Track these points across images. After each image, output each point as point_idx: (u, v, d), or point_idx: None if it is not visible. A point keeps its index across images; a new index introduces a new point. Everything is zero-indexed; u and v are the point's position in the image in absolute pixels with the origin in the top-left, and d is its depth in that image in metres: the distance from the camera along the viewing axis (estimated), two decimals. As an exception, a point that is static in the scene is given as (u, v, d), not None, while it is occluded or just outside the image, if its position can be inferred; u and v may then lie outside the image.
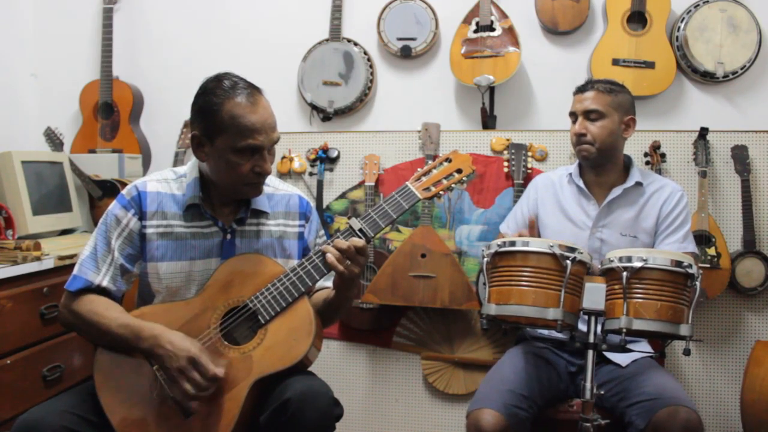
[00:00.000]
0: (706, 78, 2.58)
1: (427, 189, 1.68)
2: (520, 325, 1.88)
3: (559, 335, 2.04)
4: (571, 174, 2.19)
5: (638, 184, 2.12)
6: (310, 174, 2.85)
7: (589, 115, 2.06)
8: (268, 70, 2.86)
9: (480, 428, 1.75)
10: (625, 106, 2.09)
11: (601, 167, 2.13)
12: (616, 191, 2.12)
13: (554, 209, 2.18)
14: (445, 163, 1.72)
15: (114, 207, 1.67)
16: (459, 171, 1.71)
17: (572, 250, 1.65)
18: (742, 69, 2.55)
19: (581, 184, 2.15)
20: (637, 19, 2.59)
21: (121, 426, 1.52)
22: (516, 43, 2.63)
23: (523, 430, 1.80)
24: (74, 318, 1.62)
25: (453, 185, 1.70)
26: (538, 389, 1.90)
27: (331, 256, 1.59)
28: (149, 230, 1.66)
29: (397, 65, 2.85)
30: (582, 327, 1.76)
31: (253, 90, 1.60)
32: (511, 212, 2.34)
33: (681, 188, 2.16)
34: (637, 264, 1.60)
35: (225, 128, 1.56)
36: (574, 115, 2.11)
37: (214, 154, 1.60)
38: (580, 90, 2.11)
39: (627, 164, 2.18)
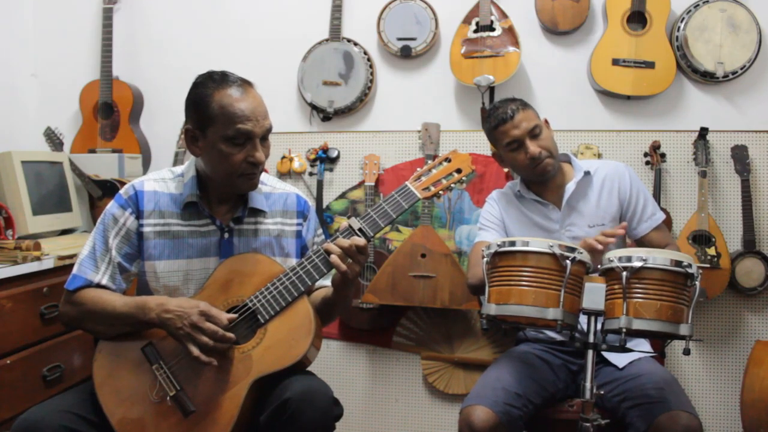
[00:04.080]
0: (706, 78, 2.58)
1: (427, 189, 1.68)
2: (520, 325, 1.87)
3: (558, 336, 2.04)
4: (519, 191, 2.17)
5: (587, 173, 2.13)
6: (310, 174, 2.86)
7: (533, 132, 2.03)
8: (268, 70, 2.87)
9: (471, 424, 1.75)
10: (536, 111, 2.10)
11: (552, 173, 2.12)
12: (571, 187, 2.11)
13: (520, 221, 2.16)
14: (445, 163, 1.72)
15: (111, 206, 1.68)
16: (458, 171, 1.71)
17: (572, 250, 1.65)
18: (742, 69, 2.55)
19: (533, 196, 2.15)
20: (637, 19, 2.59)
21: (120, 425, 1.53)
22: (516, 43, 2.63)
23: (515, 428, 1.80)
24: (77, 310, 1.63)
25: (452, 185, 1.70)
26: (533, 388, 1.90)
27: (335, 256, 1.59)
28: (146, 229, 1.67)
29: (397, 65, 2.85)
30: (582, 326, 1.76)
31: (243, 82, 1.64)
32: (484, 225, 2.22)
33: (622, 164, 2.18)
34: (637, 264, 1.60)
35: (215, 118, 1.58)
36: (516, 143, 2.03)
37: (207, 147, 1.62)
38: (507, 119, 2.02)
39: (564, 159, 2.18)
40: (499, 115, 2.05)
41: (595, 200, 2.12)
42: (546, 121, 2.12)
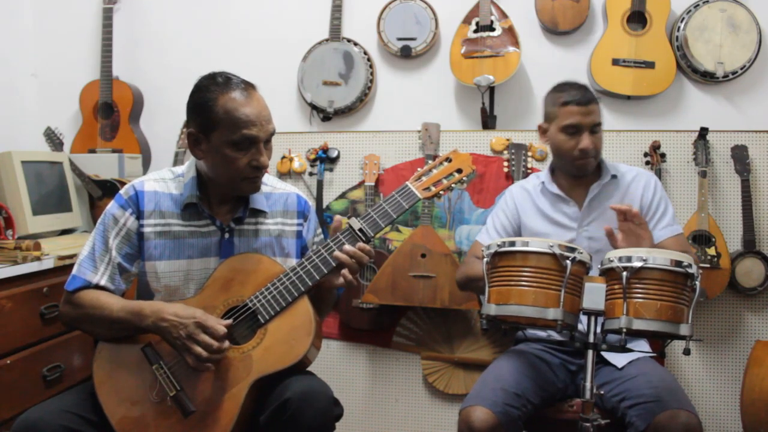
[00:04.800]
0: (706, 78, 2.58)
1: (427, 189, 1.68)
2: (520, 326, 1.87)
3: (558, 336, 2.04)
4: (543, 183, 2.17)
5: (614, 177, 2.12)
6: (310, 174, 2.86)
7: (595, 128, 2.02)
8: (268, 70, 2.87)
9: (471, 425, 1.75)
10: None
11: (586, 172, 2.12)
12: (595, 188, 2.11)
13: (536, 216, 2.16)
14: (445, 163, 1.72)
15: (112, 207, 1.68)
16: (459, 171, 1.71)
17: (572, 250, 1.65)
18: (742, 69, 2.55)
19: (556, 190, 2.15)
20: (637, 18, 2.59)
21: (120, 425, 1.52)
22: (516, 43, 2.63)
23: (515, 428, 1.80)
24: (76, 311, 1.63)
25: (453, 185, 1.70)
26: (532, 388, 1.89)
27: (346, 270, 1.60)
28: (147, 229, 1.67)
29: (397, 65, 2.85)
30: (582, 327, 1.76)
31: (247, 85, 1.62)
32: (489, 223, 2.23)
33: (651, 173, 2.18)
34: (637, 264, 1.60)
35: (220, 123, 1.57)
36: (574, 128, 2.01)
37: (211, 151, 1.61)
38: (582, 102, 2.00)
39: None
40: (574, 94, 2.01)
41: (616, 203, 2.11)
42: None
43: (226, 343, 1.54)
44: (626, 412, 1.83)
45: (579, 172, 2.09)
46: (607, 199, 2.11)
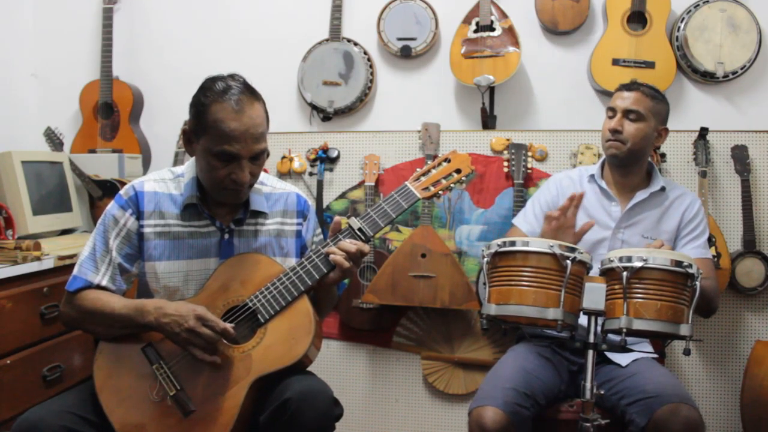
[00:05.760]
0: (706, 78, 2.58)
1: (427, 189, 1.69)
2: (520, 325, 1.88)
3: (559, 335, 2.04)
4: (593, 175, 2.18)
5: (662, 188, 2.14)
6: (310, 174, 2.85)
7: (629, 114, 2.07)
8: (268, 70, 2.87)
9: (483, 425, 1.75)
10: (662, 115, 2.12)
11: (627, 169, 2.14)
12: (642, 194, 2.12)
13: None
14: (444, 164, 1.72)
15: (112, 207, 1.68)
16: (458, 171, 1.71)
17: (572, 250, 1.65)
18: (742, 69, 2.55)
19: (604, 185, 2.16)
20: (637, 19, 2.59)
21: (120, 425, 1.52)
22: (516, 43, 2.63)
23: (525, 428, 1.80)
24: (77, 311, 1.63)
25: (452, 185, 1.71)
26: (539, 388, 1.90)
27: (340, 262, 1.60)
28: (147, 230, 1.67)
29: (397, 65, 2.85)
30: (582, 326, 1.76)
31: (246, 97, 1.57)
32: (528, 207, 2.26)
33: (698, 197, 2.21)
34: (637, 264, 1.60)
35: (207, 130, 1.56)
36: (612, 111, 2.10)
37: (198, 153, 1.62)
38: (625, 88, 2.10)
39: (649, 169, 2.19)
40: (626, 83, 2.12)
41: (658, 215, 2.13)
42: (664, 130, 2.14)
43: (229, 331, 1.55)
44: (626, 410, 1.84)
45: (610, 159, 2.12)
46: (652, 209, 2.13)
